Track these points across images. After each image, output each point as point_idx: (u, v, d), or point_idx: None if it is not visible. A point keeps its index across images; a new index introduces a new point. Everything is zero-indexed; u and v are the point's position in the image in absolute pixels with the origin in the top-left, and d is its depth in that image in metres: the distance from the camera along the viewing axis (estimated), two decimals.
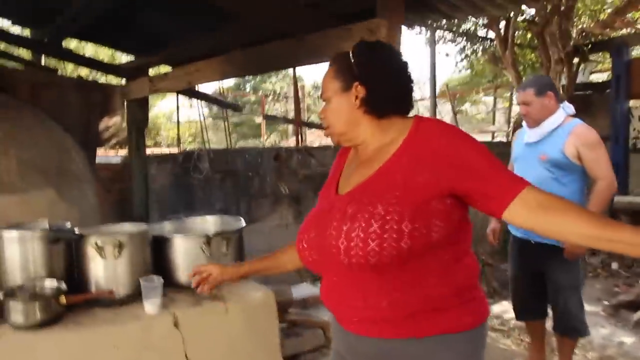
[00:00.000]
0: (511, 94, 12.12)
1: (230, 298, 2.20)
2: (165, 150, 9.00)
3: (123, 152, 5.34)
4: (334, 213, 1.44)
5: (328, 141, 7.38)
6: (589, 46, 8.51)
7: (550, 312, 3.12)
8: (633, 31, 9.66)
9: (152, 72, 4.62)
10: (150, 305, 2.01)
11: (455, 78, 18.08)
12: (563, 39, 8.01)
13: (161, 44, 3.93)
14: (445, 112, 14.28)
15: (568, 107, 3.04)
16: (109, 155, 6.48)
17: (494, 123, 13.55)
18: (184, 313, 2.06)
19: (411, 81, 1.50)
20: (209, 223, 2.64)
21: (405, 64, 1.50)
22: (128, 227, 2.34)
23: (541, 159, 2.93)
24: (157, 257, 2.26)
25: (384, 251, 1.30)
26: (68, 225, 2.22)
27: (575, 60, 8.53)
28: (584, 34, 9.22)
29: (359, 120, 1.48)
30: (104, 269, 2.05)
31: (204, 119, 5.80)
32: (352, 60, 1.48)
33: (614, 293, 5.03)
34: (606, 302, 4.74)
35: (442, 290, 1.37)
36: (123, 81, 4.77)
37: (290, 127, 12.22)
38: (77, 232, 2.10)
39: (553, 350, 3.42)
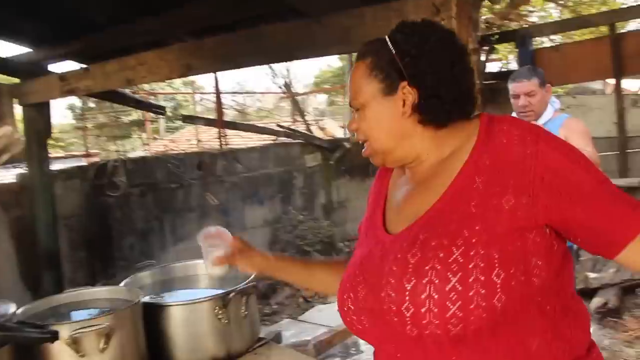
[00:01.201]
0: None
1: None
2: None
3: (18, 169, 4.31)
4: (388, 263, 1.04)
5: (253, 142, 6.69)
6: (496, 36, 8.63)
7: None
8: (526, 24, 10.01)
9: (59, 68, 3.69)
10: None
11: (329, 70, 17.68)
12: (475, 29, 7.99)
13: (74, 31, 3.03)
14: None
15: (555, 102, 2.91)
16: None
17: None
18: None
19: (472, 72, 1.10)
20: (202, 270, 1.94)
21: (464, 50, 1.10)
22: (105, 293, 1.59)
23: None
24: (149, 336, 1.55)
25: (471, 315, 0.93)
26: (10, 309, 1.43)
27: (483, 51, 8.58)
28: (487, 24, 9.38)
29: (409, 131, 1.09)
30: None
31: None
32: (394, 51, 1.07)
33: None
34: None
35: (548, 355, 1.00)
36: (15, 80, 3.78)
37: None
38: (39, 325, 1.32)
39: None
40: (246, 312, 1.68)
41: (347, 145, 6.96)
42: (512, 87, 2.87)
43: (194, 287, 1.86)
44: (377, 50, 1.10)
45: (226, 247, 1.49)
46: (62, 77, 3.17)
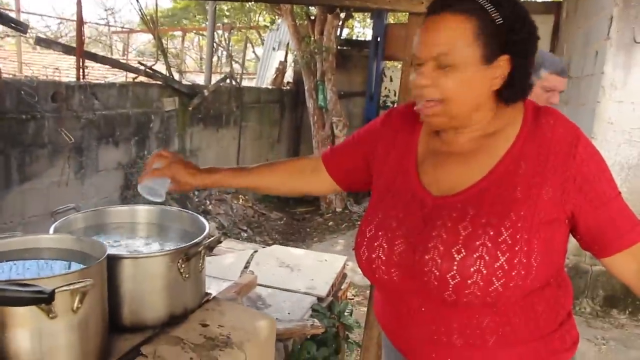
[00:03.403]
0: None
1: (241, 338, 1.49)
2: None
3: None
4: (436, 228, 1.09)
5: (114, 79, 6.15)
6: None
7: None
8: None
9: None
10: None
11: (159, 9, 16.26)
12: None
13: None
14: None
15: None
16: None
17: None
18: None
19: None
20: (144, 216, 1.77)
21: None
22: (49, 242, 1.38)
23: None
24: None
25: (508, 290, 1.05)
26: None
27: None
28: None
29: (485, 101, 1.12)
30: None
31: None
32: (501, 21, 1.06)
33: None
34: None
35: (548, 317, 1.17)
36: None
37: None
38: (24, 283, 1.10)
39: None
40: (202, 267, 1.59)
41: (205, 93, 6.72)
42: (555, 80, 2.51)
43: (132, 235, 1.70)
44: (481, 13, 1.06)
45: (164, 175, 1.45)
46: None
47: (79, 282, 1.12)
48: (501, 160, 1.11)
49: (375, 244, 1.16)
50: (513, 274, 1.03)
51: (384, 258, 1.14)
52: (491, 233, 1.04)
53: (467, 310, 1.10)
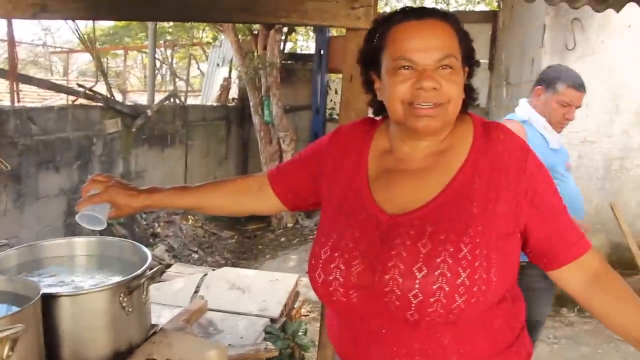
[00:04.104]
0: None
1: None
2: None
3: None
4: (395, 247, 1.07)
5: (53, 102, 5.92)
6: None
7: None
8: None
9: None
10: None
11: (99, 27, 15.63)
12: None
13: None
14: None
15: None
16: None
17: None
18: None
19: None
20: (83, 248, 1.69)
21: None
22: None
23: (567, 166, 2.59)
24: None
25: (470, 307, 1.04)
26: None
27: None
28: None
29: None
30: None
31: None
32: (462, 32, 1.15)
33: None
34: None
35: (505, 332, 1.17)
36: None
37: None
38: None
39: None
40: (146, 299, 1.54)
41: (149, 113, 6.59)
42: (572, 95, 2.46)
43: (71, 269, 1.62)
44: (459, 26, 1.14)
45: (103, 201, 1.36)
46: None
47: (8, 329, 1.05)
48: (455, 176, 1.11)
49: (332, 265, 1.11)
50: (474, 289, 1.03)
51: (341, 280, 1.10)
52: (451, 249, 1.03)
53: (429, 330, 1.08)
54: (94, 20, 3.14)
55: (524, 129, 2.42)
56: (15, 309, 1.20)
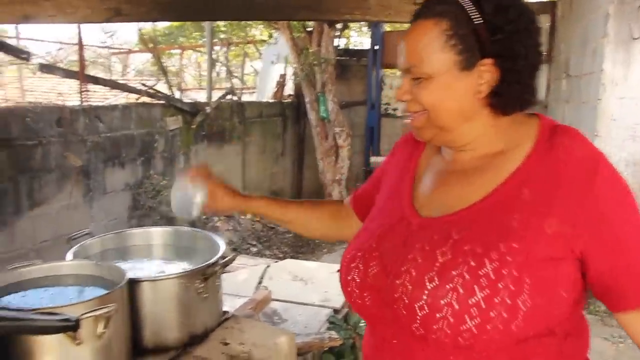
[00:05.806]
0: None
1: (263, 355, 1.50)
2: None
3: None
4: (413, 251, 0.97)
5: (115, 100, 6.18)
6: None
7: None
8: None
9: None
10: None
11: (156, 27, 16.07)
12: None
13: None
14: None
15: None
16: None
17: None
18: None
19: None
20: (159, 238, 1.79)
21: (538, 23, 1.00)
22: (67, 269, 1.40)
23: None
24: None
25: (485, 334, 0.88)
26: None
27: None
28: None
29: (473, 113, 0.99)
30: None
31: None
32: (480, 20, 0.93)
33: None
34: None
35: None
36: None
37: None
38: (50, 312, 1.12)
39: None
40: (219, 286, 1.61)
41: (208, 110, 6.76)
42: None
43: (149, 257, 1.72)
44: (455, 14, 0.95)
45: (203, 188, 1.34)
46: None
47: (102, 308, 1.14)
48: (503, 183, 0.96)
49: (352, 265, 1.05)
50: (491, 314, 0.87)
51: (358, 280, 1.03)
52: (472, 263, 0.90)
53: (439, 351, 0.94)
54: (163, 21, 3.27)
55: None
56: (103, 291, 1.30)
